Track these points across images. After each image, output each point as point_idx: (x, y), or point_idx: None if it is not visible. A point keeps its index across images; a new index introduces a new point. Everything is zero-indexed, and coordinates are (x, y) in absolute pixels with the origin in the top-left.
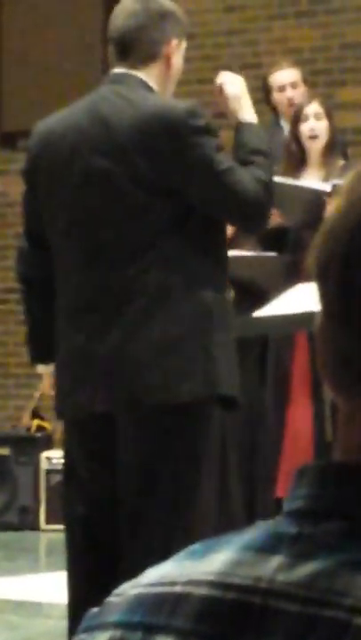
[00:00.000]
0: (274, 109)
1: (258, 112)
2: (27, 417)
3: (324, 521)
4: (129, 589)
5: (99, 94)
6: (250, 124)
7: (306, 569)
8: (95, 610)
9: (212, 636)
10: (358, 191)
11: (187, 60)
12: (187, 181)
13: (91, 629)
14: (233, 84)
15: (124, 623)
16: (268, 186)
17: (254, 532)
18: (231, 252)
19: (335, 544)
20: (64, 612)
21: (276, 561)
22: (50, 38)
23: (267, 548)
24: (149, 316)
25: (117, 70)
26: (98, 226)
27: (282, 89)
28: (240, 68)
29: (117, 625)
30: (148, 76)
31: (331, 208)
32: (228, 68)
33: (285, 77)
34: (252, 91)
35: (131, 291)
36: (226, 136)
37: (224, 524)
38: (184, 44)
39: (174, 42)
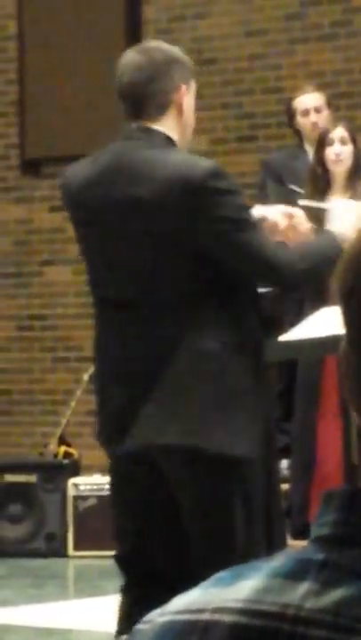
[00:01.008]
0: (297, 133)
1: (281, 135)
2: (53, 443)
3: (351, 547)
4: (157, 617)
5: (119, 154)
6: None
7: (333, 596)
8: (126, 637)
9: None
10: None
11: (209, 85)
12: (208, 241)
13: None
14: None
15: None
16: (290, 263)
17: (282, 559)
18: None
19: None
20: (93, 638)
21: (303, 588)
22: (73, 65)
23: (294, 574)
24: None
25: (135, 125)
26: (126, 282)
27: (306, 113)
28: (262, 93)
29: None
30: (164, 126)
31: (355, 236)
32: (251, 92)
33: (309, 102)
34: (275, 115)
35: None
36: (251, 160)
37: None
38: (193, 86)
39: (183, 87)
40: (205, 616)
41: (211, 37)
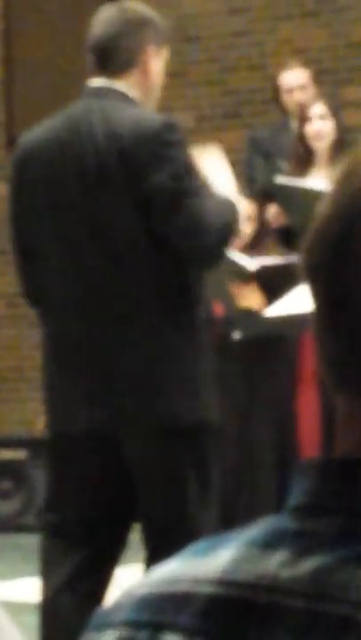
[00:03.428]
0: (283, 109)
1: (266, 112)
2: (42, 420)
3: (326, 517)
4: (136, 588)
5: (78, 109)
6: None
7: (309, 565)
8: (104, 608)
9: (218, 633)
10: (345, 192)
11: (193, 62)
12: (152, 192)
13: (99, 628)
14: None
15: (131, 622)
16: (224, 231)
17: (257, 529)
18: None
19: (337, 539)
20: None
21: (278, 557)
22: (60, 46)
23: (269, 544)
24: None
25: (96, 82)
26: (85, 249)
27: (290, 91)
28: (247, 69)
29: (125, 623)
30: (127, 84)
31: (319, 210)
32: (236, 69)
33: (294, 79)
34: (260, 91)
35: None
36: (237, 137)
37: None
38: (165, 52)
39: (152, 48)
40: (183, 587)
41: (195, 15)
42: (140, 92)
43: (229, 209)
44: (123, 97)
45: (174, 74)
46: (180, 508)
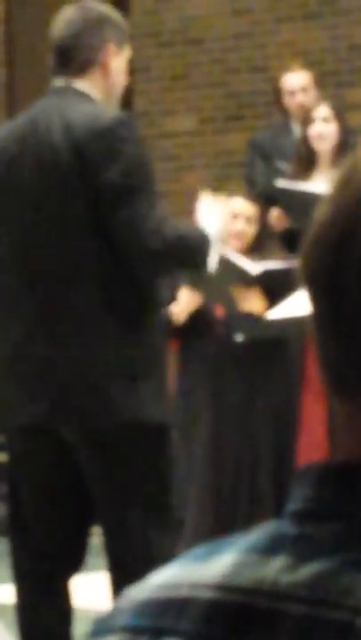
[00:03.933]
0: (284, 112)
1: (268, 114)
2: None
3: (326, 521)
4: (136, 593)
5: (38, 109)
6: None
7: (308, 570)
8: (104, 614)
9: (218, 638)
10: (344, 197)
11: (196, 64)
12: (102, 188)
13: (99, 634)
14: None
15: (131, 627)
16: (169, 242)
17: (257, 534)
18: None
19: (337, 544)
20: (77, 616)
21: (278, 562)
22: None
23: (269, 549)
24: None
25: (57, 82)
26: (36, 246)
27: (292, 93)
28: (249, 71)
29: (125, 629)
30: (87, 84)
31: (317, 214)
32: (238, 71)
33: (296, 82)
34: (262, 93)
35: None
36: (239, 139)
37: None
38: (126, 51)
39: (112, 47)
40: (183, 592)
41: (197, 17)
42: (101, 90)
43: (197, 235)
44: (82, 96)
45: (177, 76)
46: (126, 509)
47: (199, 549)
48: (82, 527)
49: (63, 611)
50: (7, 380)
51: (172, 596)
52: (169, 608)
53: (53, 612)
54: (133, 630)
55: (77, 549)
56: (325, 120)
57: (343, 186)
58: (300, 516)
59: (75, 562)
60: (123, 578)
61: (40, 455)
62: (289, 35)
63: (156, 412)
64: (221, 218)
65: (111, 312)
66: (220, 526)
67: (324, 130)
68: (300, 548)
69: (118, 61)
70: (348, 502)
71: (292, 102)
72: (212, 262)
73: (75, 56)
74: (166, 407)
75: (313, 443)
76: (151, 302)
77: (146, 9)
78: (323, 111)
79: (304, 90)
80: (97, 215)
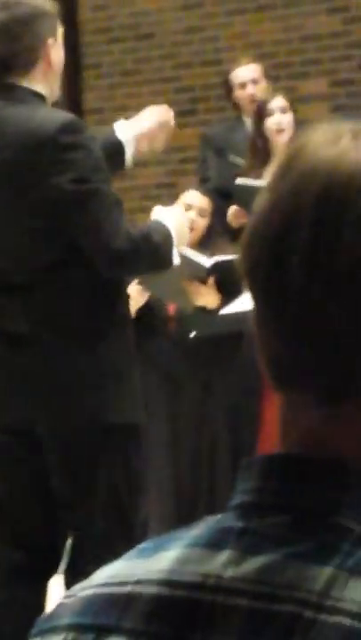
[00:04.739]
0: (236, 105)
1: (221, 108)
2: None
3: (270, 514)
4: (80, 591)
5: None
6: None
7: (253, 563)
8: (47, 612)
9: (163, 635)
10: (282, 188)
11: (147, 59)
12: (56, 197)
13: (43, 633)
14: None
15: (75, 625)
16: (134, 241)
17: (202, 528)
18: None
19: (281, 537)
20: None
21: (223, 556)
22: None
23: (214, 543)
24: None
25: (3, 83)
26: None
27: (243, 86)
28: (201, 65)
29: (69, 627)
30: (33, 80)
31: (255, 208)
32: (190, 65)
33: (246, 74)
34: (215, 87)
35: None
36: (192, 134)
37: None
38: (60, 34)
39: (50, 41)
40: (127, 588)
41: (148, 12)
42: (46, 84)
43: (161, 232)
44: (30, 95)
45: (128, 72)
46: (96, 510)
47: (144, 545)
48: (58, 528)
49: (39, 610)
50: None
51: (116, 593)
52: (114, 605)
53: (28, 612)
54: (78, 628)
55: (55, 549)
56: (283, 111)
57: (281, 177)
58: (245, 510)
59: (52, 562)
60: (80, 578)
61: (15, 456)
62: (240, 27)
63: (127, 412)
64: (180, 216)
65: (79, 313)
66: (179, 525)
67: (282, 120)
68: (244, 542)
69: (57, 52)
70: (291, 495)
71: (244, 94)
72: (175, 260)
73: (15, 60)
74: (138, 407)
75: (274, 436)
76: (120, 302)
77: (95, 4)
78: (280, 102)
79: (254, 82)
80: (54, 226)
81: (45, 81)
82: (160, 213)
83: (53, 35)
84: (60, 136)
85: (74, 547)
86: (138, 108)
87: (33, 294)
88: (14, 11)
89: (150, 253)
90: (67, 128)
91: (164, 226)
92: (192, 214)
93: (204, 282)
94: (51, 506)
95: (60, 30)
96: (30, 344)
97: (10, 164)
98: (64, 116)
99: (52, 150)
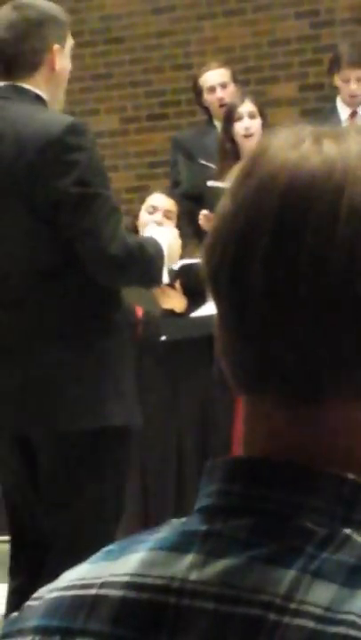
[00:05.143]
0: (206, 109)
1: (192, 112)
2: None
3: (235, 517)
4: (47, 593)
5: None
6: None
7: (217, 566)
8: (14, 615)
9: (129, 637)
10: (242, 194)
11: (117, 63)
12: (58, 200)
13: (10, 635)
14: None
15: (41, 628)
16: (130, 249)
17: (166, 532)
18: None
19: (245, 540)
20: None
21: (188, 559)
22: None
23: (178, 546)
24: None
25: (2, 83)
26: None
27: (212, 90)
28: (171, 70)
29: (36, 630)
30: (35, 84)
31: (218, 210)
32: (160, 69)
33: (215, 78)
34: (185, 91)
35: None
36: (162, 138)
37: None
38: (69, 45)
39: (56, 47)
40: (93, 591)
41: (118, 16)
42: (48, 91)
43: (154, 245)
44: (32, 97)
45: (98, 76)
46: (82, 514)
47: (110, 548)
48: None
49: None
50: None
51: (82, 595)
52: (80, 608)
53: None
54: (44, 631)
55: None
56: (251, 115)
57: (243, 179)
58: (209, 513)
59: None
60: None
61: (9, 457)
62: (211, 32)
63: (119, 414)
64: (173, 237)
65: (73, 316)
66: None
67: (251, 125)
68: (209, 545)
69: (63, 60)
70: (255, 498)
71: (213, 98)
72: (165, 279)
73: (19, 61)
74: (129, 409)
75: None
76: (114, 304)
77: (66, 8)
78: (248, 106)
79: (223, 86)
80: (52, 227)
81: (48, 86)
82: (153, 231)
83: (60, 42)
84: (67, 137)
85: (53, 546)
86: (108, 111)
87: (27, 300)
88: (25, 12)
89: (144, 264)
90: (73, 129)
91: (157, 243)
92: (158, 216)
93: (171, 285)
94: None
95: (70, 42)
96: (23, 352)
97: (10, 163)
98: (68, 117)
99: (58, 151)
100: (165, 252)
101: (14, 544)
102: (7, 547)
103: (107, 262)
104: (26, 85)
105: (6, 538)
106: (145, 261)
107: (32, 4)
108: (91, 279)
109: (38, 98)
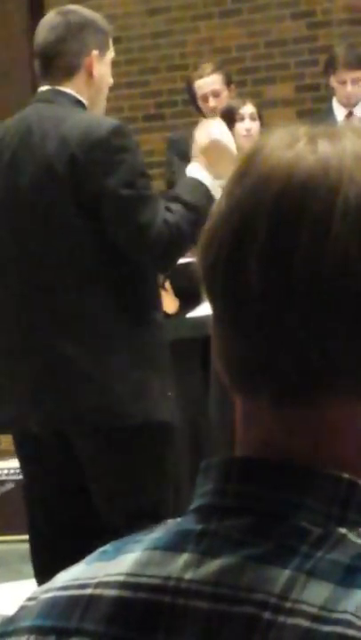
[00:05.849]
0: (201, 111)
1: (188, 113)
2: None
3: (230, 517)
4: (42, 593)
5: (28, 115)
6: (191, 179)
7: (212, 566)
8: (10, 615)
9: (125, 637)
10: (238, 193)
11: (114, 64)
12: (103, 199)
13: (5, 635)
14: (215, 134)
15: (36, 628)
16: (178, 233)
17: (162, 531)
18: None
19: (240, 539)
20: None
21: (183, 559)
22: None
23: (174, 546)
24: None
25: (44, 87)
26: (34, 254)
27: (205, 99)
28: (168, 70)
29: (31, 630)
30: (74, 89)
31: (214, 210)
32: (156, 70)
33: (206, 86)
34: (181, 92)
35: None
36: (159, 138)
37: None
38: (110, 54)
39: (95, 52)
40: (88, 591)
41: (114, 16)
42: (87, 96)
43: (197, 195)
44: (73, 100)
45: None
46: (132, 510)
47: (105, 548)
48: (93, 526)
49: None
50: (11, 383)
51: (77, 595)
52: (75, 608)
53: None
54: (39, 631)
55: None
56: (252, 117)
57: (238, 180)
58: (204, 512)
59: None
60: None
61: (48, 456)
62: (206, 32)
63: (163, 411)
64: (219, 130)
65: (118, 313)
66: None
67: (252, 127)
68: (204, 545)
69: (102, 67)
70: (251, 498)
71: (205, 108)
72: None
73: (58, 63)
74: (172, 406)
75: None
76: (156, 301)
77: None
78: (250, 108)
79: (215, 94)
80: (94, 225)
81: (86, 91)
82: (202, 132)
83: (101, 49)
84: (113, 138)
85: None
86: (105, 113)
87: (72, 300)
88: (67, 16)
89: (188, 240)
90: (118, 131)
91: (199, 183)
92: None
93: (161, 286)
94: (86, 506)
95: (111, 53)
96: (62, 345)
97: (55, 162)
98: (113, 120)
99: (105, 151)
100: (209, 182)
101: (37, 544)
102: (7, 547)
103: (154, 259)
104: (66, 89)
105: (6, 538)
106: (189, 237)
107: (75, 10)
108: (133, 278)
109: (78, 102)
